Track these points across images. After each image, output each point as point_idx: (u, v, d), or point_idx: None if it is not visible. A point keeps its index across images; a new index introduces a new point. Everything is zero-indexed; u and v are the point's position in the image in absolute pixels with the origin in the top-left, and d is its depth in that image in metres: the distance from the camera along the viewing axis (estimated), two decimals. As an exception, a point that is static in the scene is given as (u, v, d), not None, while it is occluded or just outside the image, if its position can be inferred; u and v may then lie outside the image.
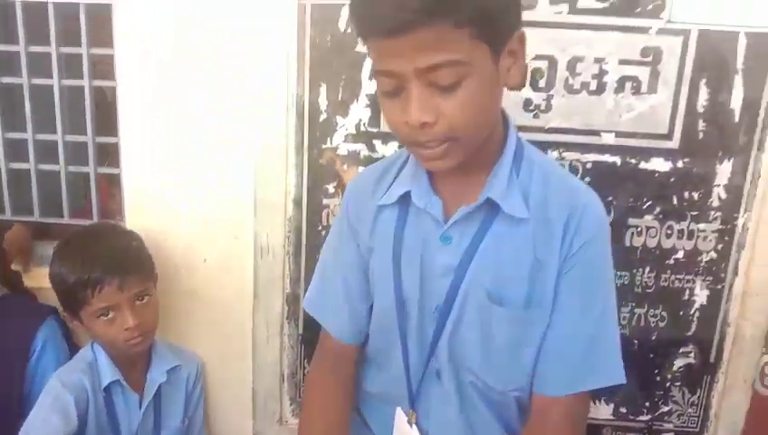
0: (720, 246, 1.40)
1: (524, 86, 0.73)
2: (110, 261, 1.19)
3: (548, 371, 0.87)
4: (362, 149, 1.38)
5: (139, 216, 1.44)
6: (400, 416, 0.96)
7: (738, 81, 1.30)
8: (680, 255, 1.41)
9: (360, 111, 1.36)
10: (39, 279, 1.45)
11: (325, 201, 1.41)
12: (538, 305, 0.85)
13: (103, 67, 1.51)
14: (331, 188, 1.40)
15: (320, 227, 1.42)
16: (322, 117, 1.37)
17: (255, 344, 1.49)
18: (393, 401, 0.98)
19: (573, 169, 1.35)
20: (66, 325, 1.36)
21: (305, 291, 1.41)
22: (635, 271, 1.41)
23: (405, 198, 0.89)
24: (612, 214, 1.37)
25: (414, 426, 0.92)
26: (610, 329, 0.88)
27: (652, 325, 1.45)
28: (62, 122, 1.53)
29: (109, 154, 1.57)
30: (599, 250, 0.86)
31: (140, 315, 1.21)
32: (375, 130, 1.36)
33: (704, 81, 1.30)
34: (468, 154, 0.78)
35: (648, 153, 1.35)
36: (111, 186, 1.63)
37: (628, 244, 1.40)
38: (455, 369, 0.90)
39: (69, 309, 1.23)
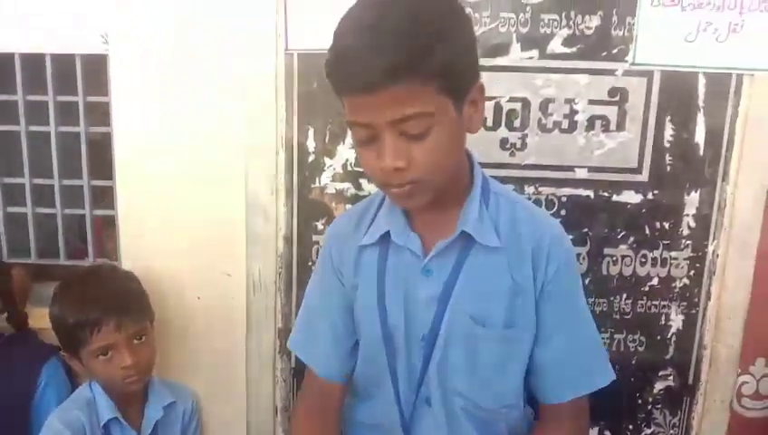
0: (692, 273, 1.47)
1: (479, 129, 0.85)
2: (108, 303, 1.23)
3: (552, 381, 0.96)
4: (349, 187, 1.44)
5: (133, 255, 1.49)
6: None
7: (700, 117, 1.39)
8: (655, 281, 1.47)
9: (345, 152, 1.43)
10: (37, 320, 1.48)
11: (315, 238, 1.47)
12: (518, 325, 0.93)
13: (97, 115, 1.57)
14: (320, 225, 1.46)
15: (310, 263, 1.48)
16: (311, 158, 1.44)
17: (249, 378, 1.53)
18: (384, 430, 1.02)
19: (550, 203, 1.43)
20: (61, 367, 1.39)
21: (297, 325, 1.48)
22: (612, 298, 1.47)
23: (385, 238, 0.95)
24: (588, 244, 1.45)
25: None
26: (595, 333, 1.00)
27: (631, 350, 1.51)
28: (58, 167, 1.59)
29: (104, 197, 1.62)
30: (570, 270, 0.96)
31: (137, 355, 1.25)
32: (361, 169, 1.43)
33: (668, 117, 1.39)
34: (436, 192, 0.85)
35: (619, 186, 1.42)
36: (106, 227, 1.68)
37: (604, 272, 1.46)
38: (444, 394, 0.96)
39: (69, 349, 1.26)
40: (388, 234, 0.95)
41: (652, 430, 1.55)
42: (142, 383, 1.30)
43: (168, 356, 1.50)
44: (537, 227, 0.94)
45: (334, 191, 1.45)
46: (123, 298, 1.27)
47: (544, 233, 0.93)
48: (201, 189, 1.46)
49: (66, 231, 1.64)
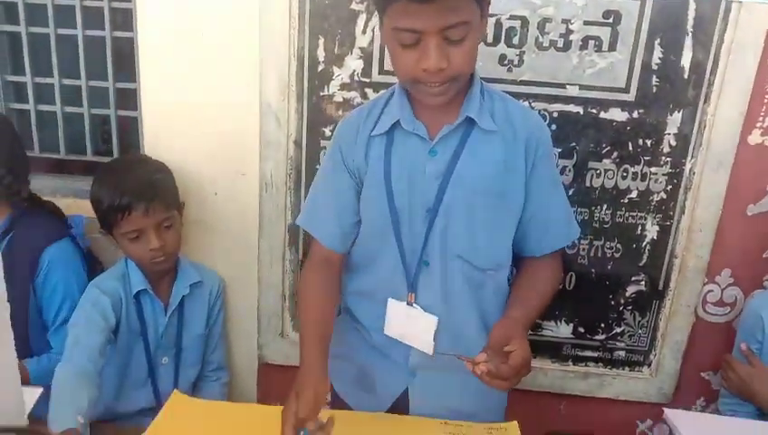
0: (669, 188, 1.59)
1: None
2: (138, 189, 1.34)
3: (537, 237, 1.18)
4: (355, 96, 1.55)
5: (155, 155, 1.59)
6: (394, 304, 1.17)
7: (688, 41, 1.47)
8: (634, 195, 1.60)
9: (353, 63, 1.53)
10: (66, 210, 1.61)
11: (322, 143, 1.59)
12: (509, 196, 1.13)
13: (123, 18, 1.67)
14: (327, 131, 1.58)
15: (317, 166, 1.60)
16: (320, 67, 1.54)
17: (260, 268, 1.70)
18: (382, 295, 1.19)
19: (541, 118, 1.53)
20: (81, 248, 1.53)
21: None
22: (593, 208, 1.61)
23: (391, 129, 1.12)
24: (575, 157, 1.56)
25: (415, 304, 1.13)
26: (567, 200, 1.22)
27: (608, 256, 1.65)
28: (85, 69, 1.70)
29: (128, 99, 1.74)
30: (551, 152, 1.20)
31: (164, 239, 1.38)
32: (367, 80, 1.54)
33: (658, 41, 1.47)
34: (459, 90, 1.04)
35: (607, 104, 1.52)
36: (129, 128, 1.80)
37: (588, 184, 1.59)
38: (443, 257, 1.13)
39: (104, 227, 1.40)
40: (395, 125, 1.11)
41: (622, 329, 1.72)
42: (168, 265, 1.44)
43: (186, 248, 1.63)
44: (528, 118, 1.15)
45: (341, 100, 1.56)
46: (153, 186, 1.39)
47: (534, 124, 1.15)
48: (218, 95, 1.57)
49: (92, 130, 1.77)
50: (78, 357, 1.20)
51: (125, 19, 1.65)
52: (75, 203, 1.66)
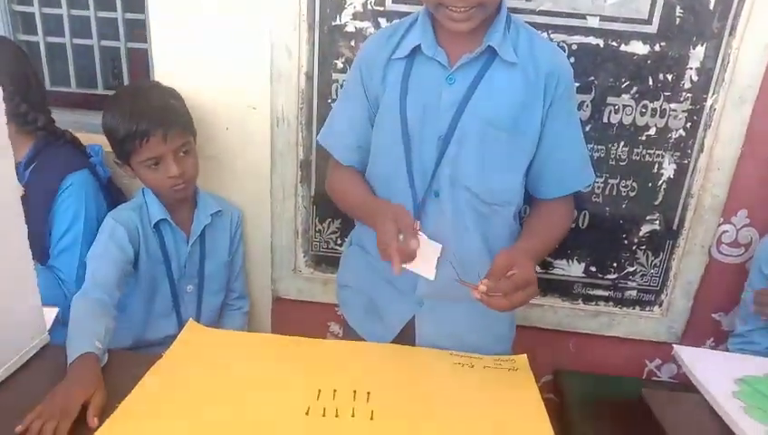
0: (688, 125, 1.56)
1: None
2: (155, 115, 1.33)
3: (551, 179, 1.18)
4: (368, 26, 1.51)
5: (166, 87, 1.59)
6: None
7: (715, -31, 1.41)
8: (652, 132, 1.56)
9: (366, -9, 1.48)
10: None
11: (334, 75, 1.56)
12: (524, 131, 1.12)
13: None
14: (339, 63, 1.55)
15: (329, 100, 1.58)
16: (333, -4, 1.50)
17: (273, 205, 1.70)
18: None
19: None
20: (100, 178, 1.53)
21: (316, 158, 1.62)
22: (610, 145, 1.58)
23: (412, 53, 1.11)
24: (593, 92, 1.53)
25: (421, 232, 1.12)
26: (584, 144, 1.21)
27: (623, 195, 1.63)
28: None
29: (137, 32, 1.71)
30: (573, 92, 1.17)
31: (183, 165, 1.38)
32: (381, 8, 1.49)
33: (683, -32, 1.41)
34: (484, 18, 1.03)
35: (628, 37, 1.47)
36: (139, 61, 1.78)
37: (605, 120, 1.55)
38: (452, 188, 1.13)
39: (120, 157, 1.39)
40: (416, 50, 1.10)
41: (634, 268, 1.71)
42: (187, 192, 1.43)
43: (198, 183, 1.62)
44: (552, 54, 1.13)
45: (354, 30, 1.52)
46: (169, 112, 1.37)
47: (557, 60, 1.13)
48: (228, 27, 1.53)
49: (102, 63, 1.75)
50: (94, 289, 1.21)
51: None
52: (88, 138, 1.65)
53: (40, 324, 1.10)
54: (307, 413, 0.97)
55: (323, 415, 0.97)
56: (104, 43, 1.72)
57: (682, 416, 1.06)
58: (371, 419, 0.98)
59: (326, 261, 1.77)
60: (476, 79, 1.08)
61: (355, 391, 1.04)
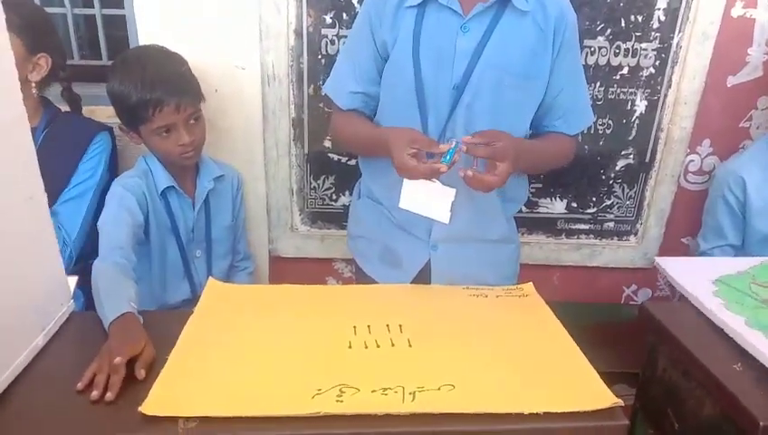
0: (658, 63, 1.66)
1: None
2: (169, 84, 1.31)
3: (555, 121, 1.26)
4: (357, -21, 1.53)
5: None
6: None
7: None
8: (625, 71, 1.67)
9: (352, -55, 1.50)
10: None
11: (324, 31, 1.58)
12: (535, 76, 1.19)
13: None
14: (328, 18, 1.57)
15: (320, 56, 1.61)
16: (320, -50, 1.51)
17: (267, 164, 1.72)
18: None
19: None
20: (114, 143, 1.51)
21: (308, 115, 1.64)
22: (589, 86, 1.66)
23: (424, 1, 1.14)
24: (571, 36, 1.60)
25: (435, 179, 1.16)
26: (585, 85, 1.32)
27: (600, 133, 1.74)
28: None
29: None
30: (577, 36, 1.23)
31: (193, 133, 1.37)
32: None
33: None
34: None
35: (602, -20, 1.56)
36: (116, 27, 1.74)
37: (583, 62, 1.62)
38: (466, 134, 1.16)
39: (129, 124, 1.37)
40: None
41: (612, 201, 1.83)
42: (196, 159, 1.44)
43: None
44: (559, 4, 1.18)
45: (343, -17, 1.54)
46: (181, 80, 1.36)
47: (564, 5, 1.19)
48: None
49: (76, 32, 1.70)
50: (112, 253, 1.20)
51: None
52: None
53: (66, 291, 1.11)
54: (350, 347, 1.02)
55: (366, 347, 1.03)
56: (77, 11, 1.67)
57: (679, 321, 1.17)
58: (410, 346, 1.04)
59: (322, 217, 1.81)
60: (490, 27, 1.13)
61: (388, 325, 1.09)
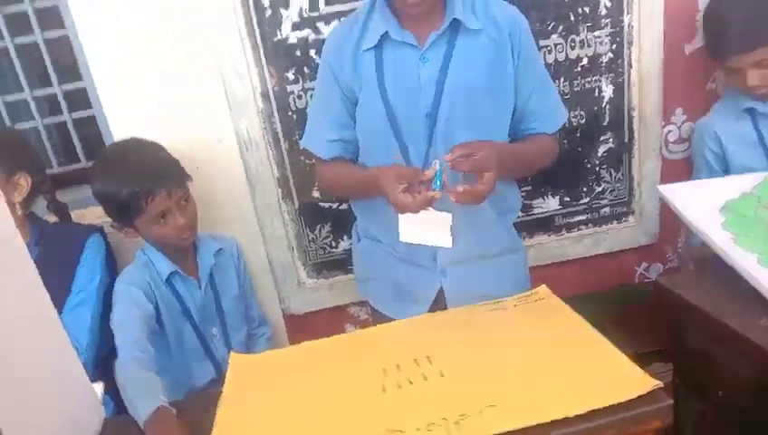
0: (614, 47, 1.70)
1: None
2: (156, 172, 1.34)
3: (535, 123, 1.30)
4: (309, 33, 1.57)
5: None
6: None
7: None
8: (585, 62, 1.70)
9: (298, 1, 1.54)
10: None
11: (289, 88, 1.61)
12: (502, 88, 1.23)
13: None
14: (290, 75, 1.60)
15: (290, 112, 1.63)
16: (268, 13, 1.54)
17: (261, 226, 1.73)
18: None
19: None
20: (107, 241, 1.52)
21: (291, 171, 1.66)
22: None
23: (380, 43, 1.17)
24: (526, 39, 1.64)
25: (428, 208, 1.17)
26: (552, 83, 1.36)
27: (575, 125, 1.77)
28: (26, 79, 1.64)
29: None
30: (532, 38, 1.27)
31: (187, 214, 1.39)
32: (316, 14, 1.55)
33: None
34: None
35: (543, -20, 1.60)
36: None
37: (542, 62, 1.67)
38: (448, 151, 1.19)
39: (122, 220, 1.38)
40: (383, 37, 1.16)
41: (602, 187, 1.85)
42: (193, 239, 1.45)
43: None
44: (507, 9, 1.23)
45: (296, 40, 1.57)
46: (165, 165, 1.39)
47: (512, 13, 1.23)
48: (177, 65, 1.54)
49: (50, 141, 1.72)
50: (131, 350, 1.21)
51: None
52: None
53: (95, 400, 1.11)
54: (384, 390, 1.02)
55: (399, 387, 1.02)
56: (47, 120, 1.70)
57: (694, 288, 1.17)
58: (442, 376, 1.03)
59: (326, 266, 1.82)
60: (448, 52, 1.17)
61: (416, 359, 1.09)
